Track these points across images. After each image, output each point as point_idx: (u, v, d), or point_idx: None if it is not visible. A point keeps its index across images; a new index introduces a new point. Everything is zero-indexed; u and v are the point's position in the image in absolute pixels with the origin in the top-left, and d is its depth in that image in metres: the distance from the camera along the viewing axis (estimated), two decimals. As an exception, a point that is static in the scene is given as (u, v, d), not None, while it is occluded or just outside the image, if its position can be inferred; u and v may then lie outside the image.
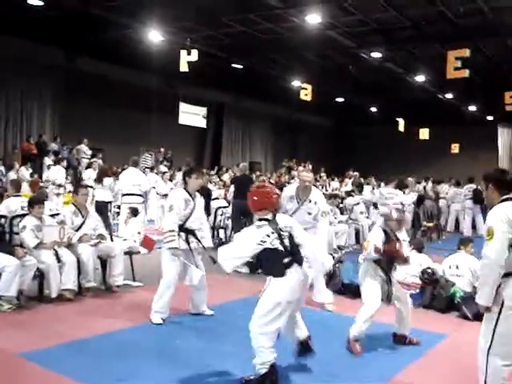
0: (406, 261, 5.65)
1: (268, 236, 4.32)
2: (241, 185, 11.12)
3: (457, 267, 7.30)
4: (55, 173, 14.84)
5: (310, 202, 6.71)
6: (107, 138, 19.45)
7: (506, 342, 3.67)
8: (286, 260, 4.32)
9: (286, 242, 4.36)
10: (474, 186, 16.01)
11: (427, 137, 25.74)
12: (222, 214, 12.25)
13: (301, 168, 17.69)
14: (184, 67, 15.00)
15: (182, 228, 6.06)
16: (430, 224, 14.98)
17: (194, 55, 14.90)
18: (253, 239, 4.34)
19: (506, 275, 3.66)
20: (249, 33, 16.96)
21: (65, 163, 16.09)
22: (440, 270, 7.39)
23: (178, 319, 6.15)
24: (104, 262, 7.35)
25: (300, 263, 4.39)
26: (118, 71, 19.86)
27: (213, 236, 11.88)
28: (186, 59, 14.91)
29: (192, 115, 25.89)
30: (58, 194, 13.99)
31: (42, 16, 15.22)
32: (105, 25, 15.75)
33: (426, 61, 18.60)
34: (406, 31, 16.23)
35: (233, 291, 7.68)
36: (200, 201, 6.35)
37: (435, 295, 7.13)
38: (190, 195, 6.20)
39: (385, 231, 5.56)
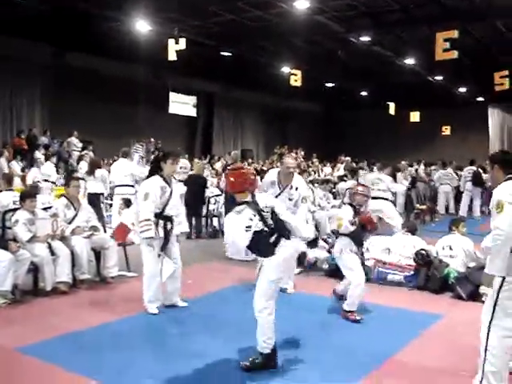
0: (376, 228, 6.16)
1: (251, 219, 4.32)
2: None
3: (450, 248, 7.35)
4: (48, 170, 14.64)
5: (292, 188, 6.64)
6: (97, 131, 19.29)
7: (507, 313, 3.75)
8: (272, 238, 4.36)
9: (269, 220, 4.38)
10: (474, 168, 16.07)
11: (418, 119, 25.71)
12: (215, 203, 12.25)
13: (293, 155, 17.62)
14: (172, 56, 14.91)
15: (160, 216, 5.96)
16: (423, 206, 15.05)
17: (182, 44, 14.81)
18: (239, 227, 4.32)
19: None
20: (237, 20, 16.84)
21: (54, 159, 15.93)
22: (434, 252, 7.43)
23: (173, 308, 6.13)
24: (98, 253, 7.35)
25: (287, 236, 4.43)
26: (105, 64, 19.70)
27: (206, 224, 11.93)
28: (174, 48, 14.83)
29: (182, 104, 25.79)
30: (50, 192, 13.85)
31: (28, 12, 15.07)
32: (91, 18, 15.59)
33: (415, 44, 18.51)
34: (394, 14, 16.17)
35: (225, 279, 7.70)
36: (176, 187, 6.23)
37: (429, 276, 7.17)
38: (166, 181, 6.05)
39: (351, 206, 5.99)
